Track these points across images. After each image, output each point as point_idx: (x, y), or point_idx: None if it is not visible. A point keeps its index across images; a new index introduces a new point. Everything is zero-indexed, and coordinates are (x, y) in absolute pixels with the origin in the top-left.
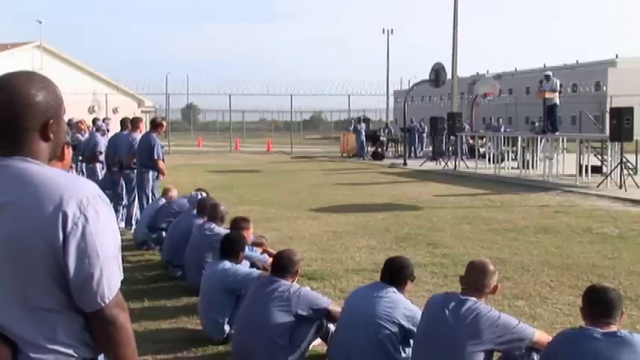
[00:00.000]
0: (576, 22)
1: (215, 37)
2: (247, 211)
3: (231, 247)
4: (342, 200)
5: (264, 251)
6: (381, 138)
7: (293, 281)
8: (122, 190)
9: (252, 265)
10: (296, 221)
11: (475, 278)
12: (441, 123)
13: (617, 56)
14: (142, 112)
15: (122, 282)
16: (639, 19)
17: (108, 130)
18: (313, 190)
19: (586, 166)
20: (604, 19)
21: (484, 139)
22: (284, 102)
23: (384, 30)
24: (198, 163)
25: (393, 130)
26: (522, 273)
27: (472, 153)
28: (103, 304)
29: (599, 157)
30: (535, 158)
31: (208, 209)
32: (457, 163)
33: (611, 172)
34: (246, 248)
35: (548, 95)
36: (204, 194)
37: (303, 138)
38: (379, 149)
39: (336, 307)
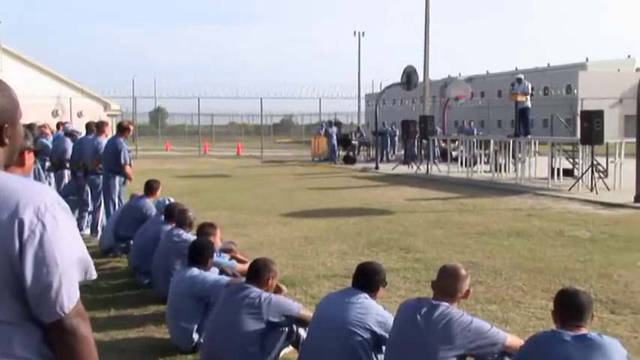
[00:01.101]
0: (548, 25)
1: (183, 39)
2: (216, 216)
3: (200, 253)
4: (313, 205)
5: (233, 257)
6: (353, 142)
7: (266, 290)
8: (87, 195)
9: (222, 271)
10: (266, 226)
11: (447, 283)
12: (413, 126)
13: (587, 59)
14: (108, 115)
15: (87, 290)
16: (608, 23)
17: (79, 134)
18: (284, 195)
19: (558, 169)
20: (574, 22)
21: (456, 142)
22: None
23: (355, 32)
24: (166, 168)
25: (364, 134)
26: (495, 277)
27: (444, 156)
28: (63, 314)
29: (571, 160)
30: (507, 161)
31: (176, 215)
32: (429, 166)
33: (583, 175)
34: (215, 254)
35: (520, 98)
36: (171, 200)
37: (273, 142)
38: (351, 153)
39: (307, 313)
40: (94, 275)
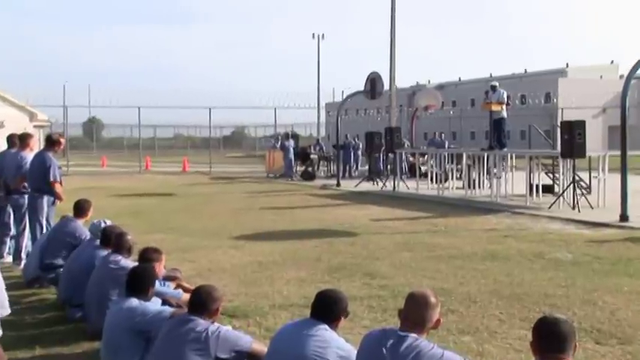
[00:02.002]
0: (525, 28)
1: (121, 40)
2: (159, 240)
3: (140, 282)
4: (267, 226)
5: (178, 286)
6: (312, 156)
7: (213, 321)
8: (9, 218)
9: (165, 302)
10: (215, 251)
11: (415, 312)
12: (378, 139)
13: (567, 65)
14: (34, 127)
15: (9, 327)
16: (589, 26)
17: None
18: (235, 216)
19: (537, 186)
20: (553, 25)
21: (426, 156)
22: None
23: (314, 35)
24: (102, 186)
25: (324, 147)
26: (469, 305)
27: (412, 172)
28: None
29: (551, 175)
30: (482, 177)
31: (113, 239)
32: (396, 183)
33: (564, 191)
34: (157, 283)
35: (494, 107)
36: (108, 222)
37: (223, 156)
38: (309, 168)
39: (260, 347)
40: (7, 311)
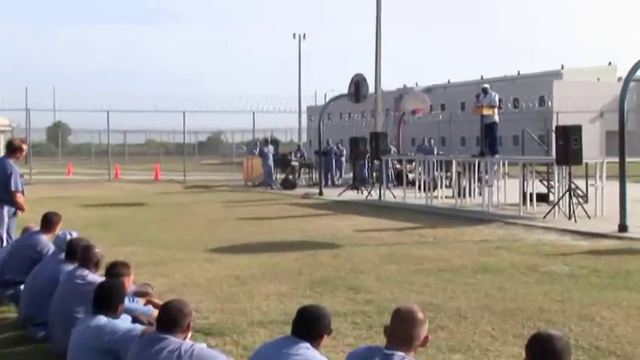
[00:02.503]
0: (517, 28)
1: (89, 39)
2: (129, 253)
3: (108, 298)
4: (245, 238)
5: (149, 302)
6: (293, 163)
7: (184, 338)
8: None
9: (135, 319)
10: (190, 264)
11: (402, 328)
12: (363, 145)
13: (562, 67)
14: None
15: None
16: (585, 26)
17: None
18: (211, 227)
19: (530, 194)
20: (548, 25)
21: (413, 163)
22: (175, 120)
23: (295, 35)
24: (68, 195)
25: (306, 154)
26: (459, 321)
27: (399, 180)
28: None
29: (546, 183)
30: (473, 185)
31: (79, 252)
32: (382, 192)
33: (559, 200)
34: (127, 299)
35: (486, 111)
36: (74, 234)
37: (198, 163)
38: (290, 176)
39: None
40: None
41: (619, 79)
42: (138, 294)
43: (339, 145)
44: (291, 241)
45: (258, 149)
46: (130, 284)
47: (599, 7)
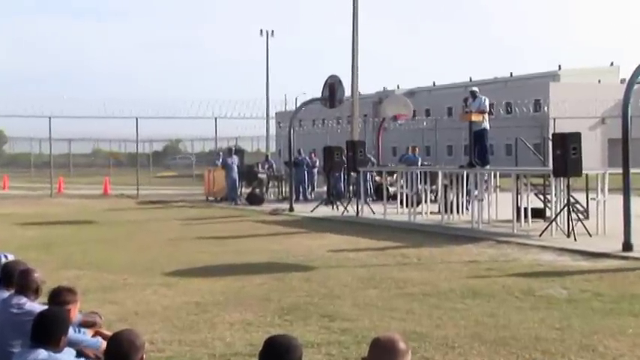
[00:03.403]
0: (509, 25)
1: (26, 36)
2: (74, 277)
3: (50, 329)
4: (207, 260)
5: (97, 333)
6: (260, 175)
7: None
8: None
9: (80, 353)
10: (144, 290)
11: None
12: (339, 154)
13: (560, 67)
14: None
15: None
16: (584, 22)
17: None
18: (167, 247)
19: (525, 209)
20: (543, 22)
21: (395, 175)
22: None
23: (262, 32)
24: (3, 213)
25: (275, 165)
26: (446, 351)
27: (379, 194)
28: None
29: (542, 197)
30: (461, 200)
31: (16, 277)
32: (360, 207)
33: (557, 216)
34: (71, 330)
35: (475, 117)
36: (9, 257)
37: (153, 176)
38: (257, 190)
39: None
40: None
41: (622, 80)
42: (84, 324)
43: (312, 154)
44: (258, 262)
45: (220, 160)
46: (75, 313)
47: (600, 2)
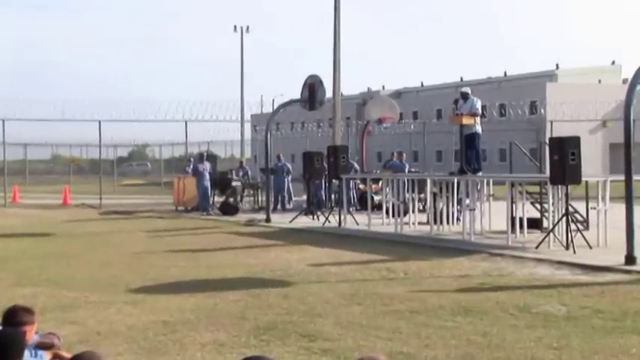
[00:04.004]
0: (503, 20)
1: None
2: (30, 295)
3: (3, 352)
4: (176, 275)
5: (56, 356)
6: (234, 183)
7: None
8: None
9: None
10: (107, 309)
11: None
12: (319, 160)
13: (557, 67)
14: None
15: None
16: (583, 18)
17: None
18: (133, 262)
19: (520, 219)
20: (539, 17)
21: (380, 182)
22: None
23: (236, 27)
24: None
25: (250, 172)
26: None
27: (363, 203)
28: None
29: (538, 206)
30: (451, 209)
31: None
32: (342, 217)
33: (554, 227)
34: (27, 353)
35: (466, 120)
36: None
37: (118, 184)
38: (231, 199)
39: None
40: None
41: (624, 80)
42: (41, 346)
43: (291, 161)
44: (233, 277)
45: (191, 166)
46: (32, 334)
47: None
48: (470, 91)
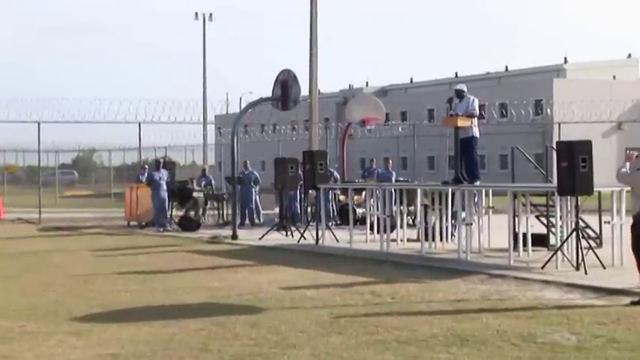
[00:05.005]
0: (504, 8)
1: None
2: None
3: None
4: (128, 301)
5: None
6: (195, 194)
7: None
8: None
9: None
10: (47, 340)
11: None
12: (294, 168)
13: (566, 60)
14: None
15: None
16: (595, 4)
17: None
18: (78, 286)
19: (524, 235)
20: (546, 5)
21: (363, 193)
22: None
23: (197, 15)
24: None
25: (214, 181)
26: None
27: (344, 217)
28: None
29: (544, 220)
30: (445, 224)
31: None
32: (320, 233)
33: (563, 244)
34: None
35: (461, 122)
36: None
37: (60, 195)
38: (192, 213)
39: None
40: None
41: None
42: None
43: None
44: (194, 303)
45: (146, 175)
46: None
47: None
48: (466, 89)
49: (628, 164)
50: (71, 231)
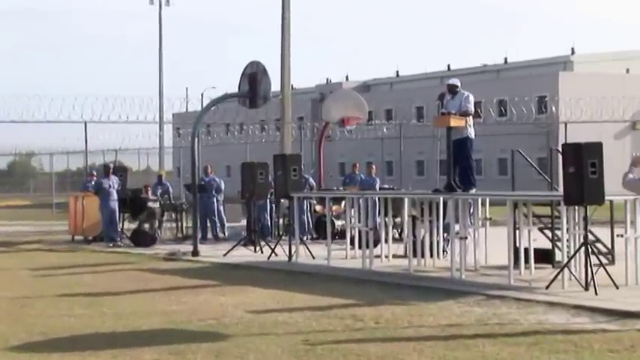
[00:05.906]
0: None
1: None
2: None
3: None
4: (73, 327)
5: None
6: (150, 204)
7: None
8: None
9: None
10: None
11: None
12: (263, 174)
13: (573, 52)
14: None
15: None
16: None
17: None
18: (15, 310)
19: (526, 250)
20: None
21: (343, 203)
22: None
23: (152, 0)
24: None
25: (172, 190)
26: None
27: (321, 230)
28: None
29: (549, 233)
30: (435, 238)
31: None
32: (294, 249)
33: (570, 260)
34: None
35: (454, 122)
36: None
37: None
38: (146, 225)
39: None
40: None
41: None
42: None
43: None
44: (148, 330)
45: (93, 182)
46: None
47: None
48: (460, 84)
49: (635, 170)
50: (6, 247)
